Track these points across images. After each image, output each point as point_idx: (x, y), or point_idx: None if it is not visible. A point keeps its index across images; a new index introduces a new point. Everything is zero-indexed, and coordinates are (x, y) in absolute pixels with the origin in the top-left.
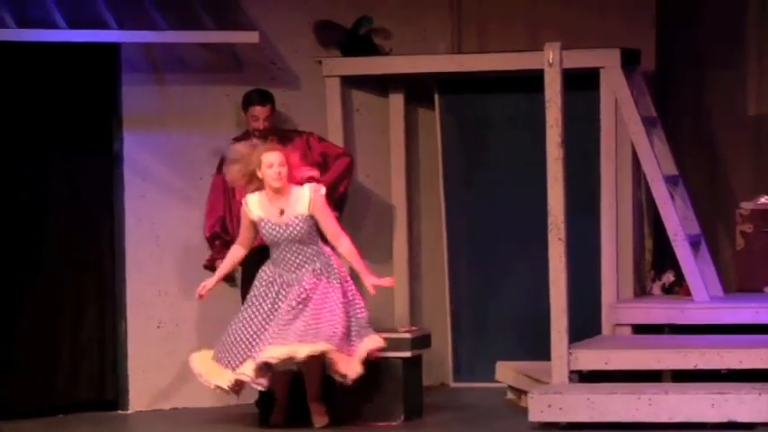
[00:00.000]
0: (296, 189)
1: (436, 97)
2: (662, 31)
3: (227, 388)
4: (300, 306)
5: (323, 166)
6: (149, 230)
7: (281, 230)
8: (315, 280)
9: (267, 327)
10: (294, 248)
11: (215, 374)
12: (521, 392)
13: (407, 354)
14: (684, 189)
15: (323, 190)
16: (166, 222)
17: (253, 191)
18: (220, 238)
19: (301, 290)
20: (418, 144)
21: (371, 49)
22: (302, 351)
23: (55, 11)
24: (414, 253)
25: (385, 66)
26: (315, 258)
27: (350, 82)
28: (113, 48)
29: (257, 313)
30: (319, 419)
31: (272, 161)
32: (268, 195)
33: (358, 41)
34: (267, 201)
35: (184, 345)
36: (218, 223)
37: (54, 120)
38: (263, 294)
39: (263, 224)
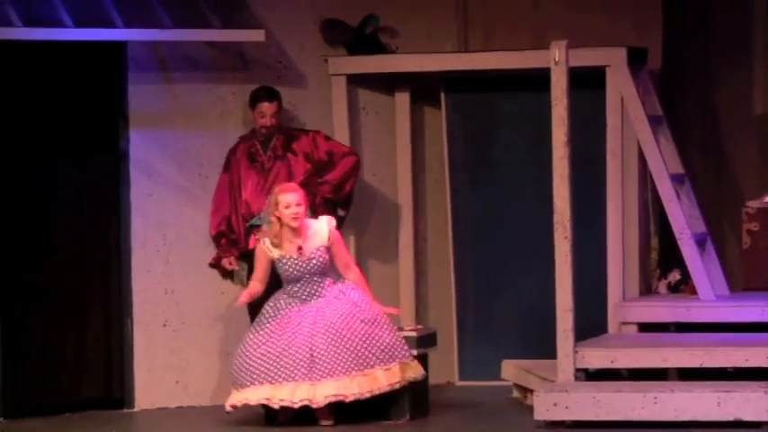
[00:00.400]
0: (312, 223)
1: (442, 96)
2: (668, 29)
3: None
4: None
5: (329, 164)
6: (156, 229)
7: (303, 265)
8: (337, 288)
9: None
10: (315, 280)
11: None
12: (526, 391)
13: (413, 352)
14: (690, 187)
15: (334, 222)
16: (173, 221)
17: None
18: (226, 237)
19: (335, 292)
20: (424, 143)
21: (378, 48)
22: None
23: (61, 9)
24: (419, 252)
25: (391, 64)
26: (332, 285)
27: (356, 81)
28: (120, 46)
29: (274, 334)
30: (325, 420)
31: (289, 201)
32: (284, 234)
33: (364, 40)
34: (284, 240)
35: (190, 343)
36: (223, 222)
37: (60, 119)
38: (275, 316)
39: (284, 261)
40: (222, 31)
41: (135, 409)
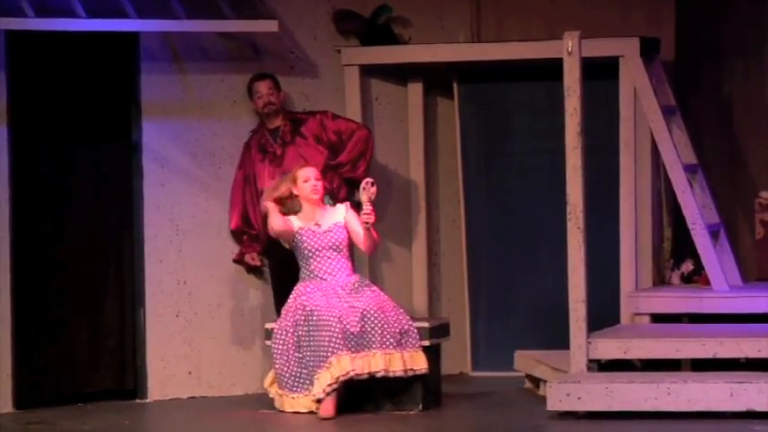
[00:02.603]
0: (329, 208)
1: (455, 86)
2: (682, 19)
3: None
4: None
5: (338, 144)
6: (168, 219)
7: (321, 237)
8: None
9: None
10: (330, 256)
11: (293, 404)
12: (539, 381)
13: (426, 342)
14: (704, 178)
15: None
16: (185, 211)
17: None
18: (246, 233)
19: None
20: (437, 133)
21: (390, 38)
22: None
23: (74, 0)
24: (432, 242)
25: (404, 55)
26: (349, 270)
27: (369, 71)
28: (133, 37)
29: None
30: (326, 412)
31: (308, 175)
32: (305, 211)
33: (377, 30)
34: (304, 216)
35: (203, 334)
36: (241, 218)
37: (73, 109)
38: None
39: (303, 233)
40: (235, 22)
41: (148, 400)
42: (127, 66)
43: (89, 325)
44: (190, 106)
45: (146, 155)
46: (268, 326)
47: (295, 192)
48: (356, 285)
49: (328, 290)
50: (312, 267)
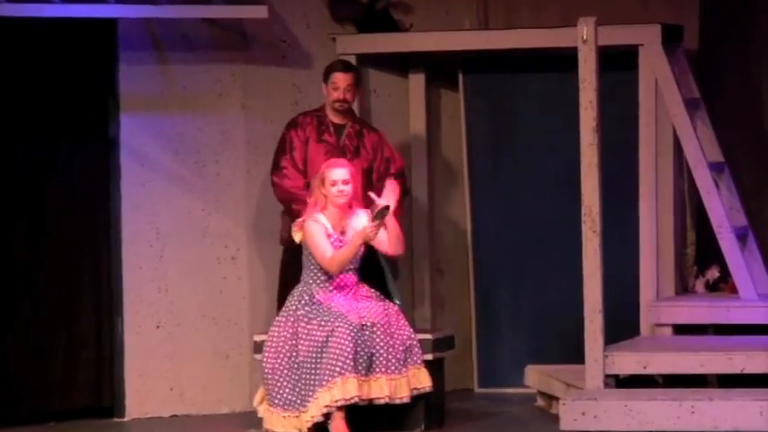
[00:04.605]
0: (359, 211)
1: (460, 77)
2: (706, 5)
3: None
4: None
5: (383, 172)
6: (148, 222)
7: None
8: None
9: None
10: (347, 268)
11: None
12: (552, 399)
13: (428, 356)
14: (730, 177)
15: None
16: (167, 213)
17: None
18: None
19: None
20: (440, 129)
21: (390, 25)
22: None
23: None
24: (435, 247)
25: (405, 43)
26: (357, 281)
27: (366, 61)
28: (110, 24)
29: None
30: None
31: (335, 179)
32: (331, 214)
33: (375, 16)
34: (330, 220)
35: (186, 347)
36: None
37: (46, 101)
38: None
39: (332, 240)
40: (221, 7)
41: (126, 419)
42: (104, 55)
43: (64, 337)
44: (172, 99)
45: (124, 152)
46: (257, 338)
47: (323, 192)
48: (365, 293)
49: (341, 302)
50: (324, 278)
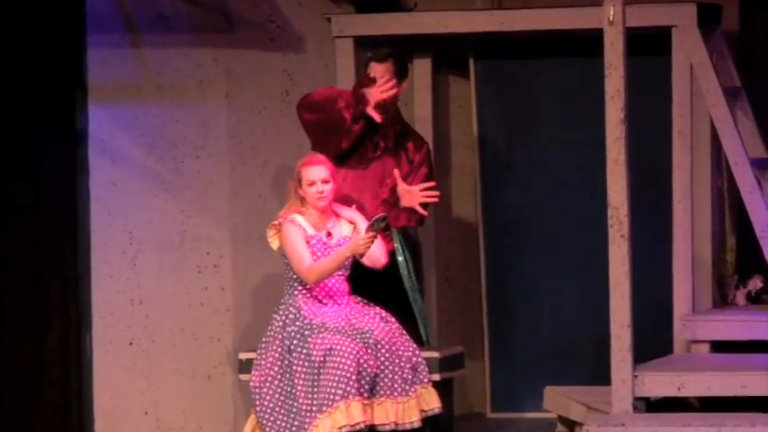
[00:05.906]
0: (345, 210)
1: (471, 63)
2: None
3: None
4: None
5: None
6: (121, 225)
7: (331, 251)
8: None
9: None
10: (335, 275)
11: None
12: (574, 424)
13: (435, 377)
14: None
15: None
16: (141, 215)
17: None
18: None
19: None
20: (449, 119)
21: (392, 4)
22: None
23: None
24: (444, 253)
25: (409, 24)
26: (348, 290)
27: (366, 44)
28: (78, 2)
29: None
30: None
31: (313, 178)
32: (311, 215)
33: None
34: (310, 221)
35: (162, 366)
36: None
37: (4, 90)
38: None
39: (312, 242)
40: None
41: None
42: (70, 38)
43: (30, 355)
44: (147, 87)
45: (92, 147)
46: (242, 356)
47: (300, 193)
48: (359, 305)
49: (335, 315)
50: (310, 286)
